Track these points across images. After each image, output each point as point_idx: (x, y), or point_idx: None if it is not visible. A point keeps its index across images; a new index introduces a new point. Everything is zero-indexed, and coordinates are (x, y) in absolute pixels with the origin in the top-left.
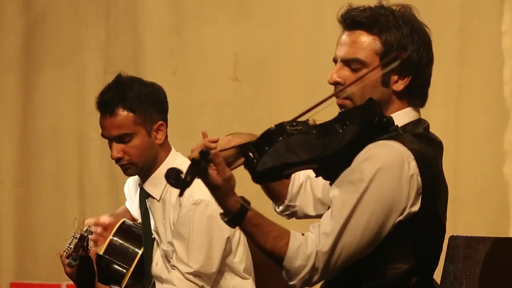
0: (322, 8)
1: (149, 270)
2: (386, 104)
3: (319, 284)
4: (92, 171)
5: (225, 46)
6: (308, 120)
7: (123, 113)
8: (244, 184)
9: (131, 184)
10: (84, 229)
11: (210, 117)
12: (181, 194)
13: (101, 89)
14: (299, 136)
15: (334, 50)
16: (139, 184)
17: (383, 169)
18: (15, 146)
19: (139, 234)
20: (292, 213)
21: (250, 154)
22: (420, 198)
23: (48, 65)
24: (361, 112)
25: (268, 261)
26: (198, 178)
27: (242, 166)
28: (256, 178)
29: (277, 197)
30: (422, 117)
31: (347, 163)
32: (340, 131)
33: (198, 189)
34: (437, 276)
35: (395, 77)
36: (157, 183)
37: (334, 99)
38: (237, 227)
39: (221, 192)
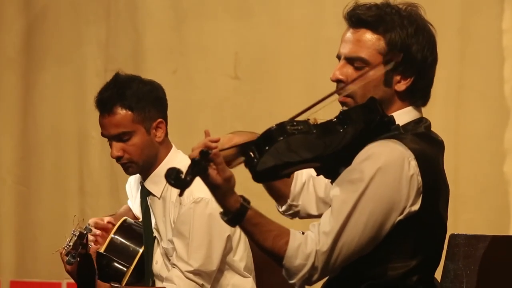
0: (323, 7)
1: (150, 268)
2: (387, 104)
3: (320, 283)
4: (92, 169)
5: (226, 45)
6: (308, 119)
7: (121, 112)
8: (248, 183)
9: (132, 183)
10: (84, 227)
11: (210, 115)
12: (181, 194)
13: None
14: (299, 136)
15: (335, 49)
16: (140, 182)
17: (383, 169)
18: (16, 144)
19: (140, 232)
20: (295, 213)
21: (251, 153)
22: (421, 197)
23: (48, 63)
24: (362, 111)
25: (267, 259)
26: (198, 177)
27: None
28: (256, 178)
29: (279, 196)
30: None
31: (348, 162)
32: (341, 130)
33: (198, 187)
34: (438, 274)
35: (398, 77)
36: (157, 181)
37: (336, 96)
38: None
39: (221, 191)
